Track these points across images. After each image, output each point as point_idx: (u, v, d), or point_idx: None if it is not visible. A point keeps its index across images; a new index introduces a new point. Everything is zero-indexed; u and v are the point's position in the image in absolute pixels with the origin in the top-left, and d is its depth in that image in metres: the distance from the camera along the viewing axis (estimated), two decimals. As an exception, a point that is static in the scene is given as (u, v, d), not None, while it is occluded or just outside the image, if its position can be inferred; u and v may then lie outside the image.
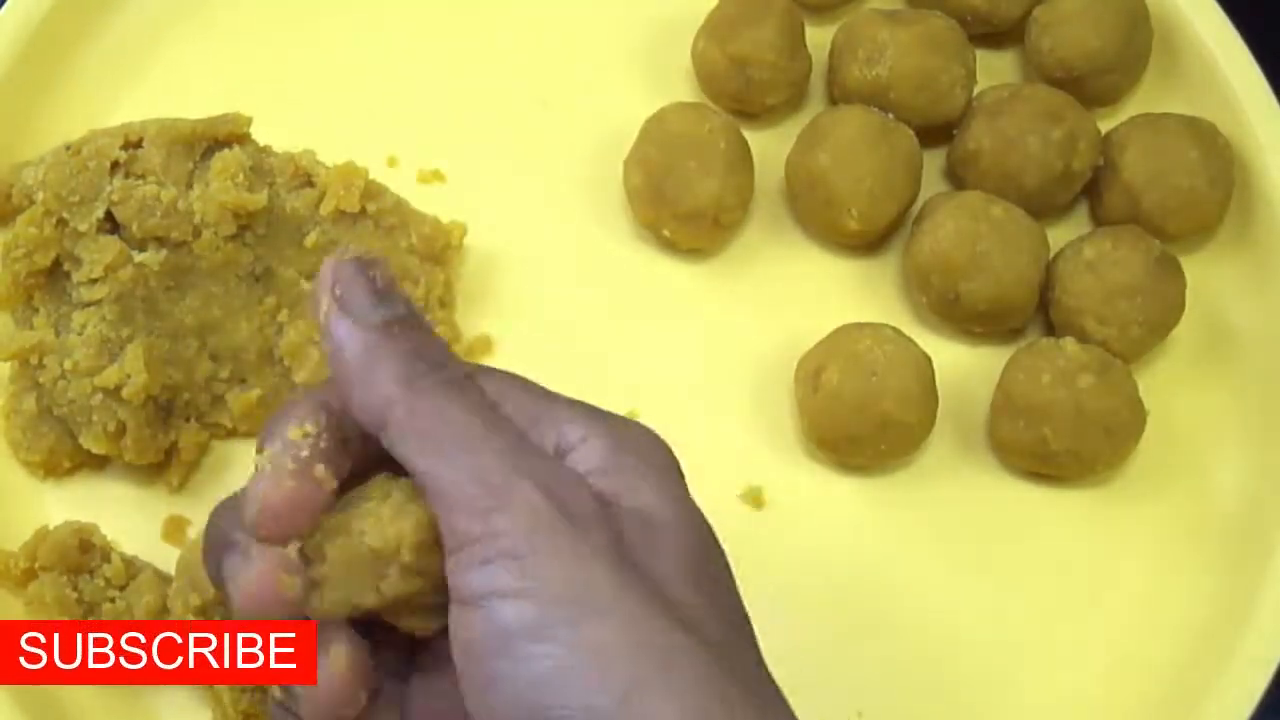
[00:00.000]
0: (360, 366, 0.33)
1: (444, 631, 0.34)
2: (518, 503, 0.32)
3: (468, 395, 0.34)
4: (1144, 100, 0.55)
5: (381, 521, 0.33)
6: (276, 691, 0.35)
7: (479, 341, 0.50)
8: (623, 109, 0.52)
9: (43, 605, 0.44)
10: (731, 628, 0.33)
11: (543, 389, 0.36)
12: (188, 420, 0.48)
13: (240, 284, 0.48)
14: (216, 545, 0.34)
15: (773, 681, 0.33)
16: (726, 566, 0.35)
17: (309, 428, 0.34)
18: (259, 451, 0.34)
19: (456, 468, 0.32)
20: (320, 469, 0.33)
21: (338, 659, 0.34)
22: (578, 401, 0.35)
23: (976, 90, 0.53)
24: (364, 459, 0.35)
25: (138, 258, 0.46)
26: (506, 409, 0.34)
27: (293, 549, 0.33)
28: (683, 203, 0.50)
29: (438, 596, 0.34)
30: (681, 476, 0.35)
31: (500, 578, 0.31)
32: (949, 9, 0.53)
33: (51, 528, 0.46)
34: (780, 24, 0.52)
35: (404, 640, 0.36)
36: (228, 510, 0.35)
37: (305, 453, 0.33)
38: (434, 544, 0.33)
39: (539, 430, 0.34)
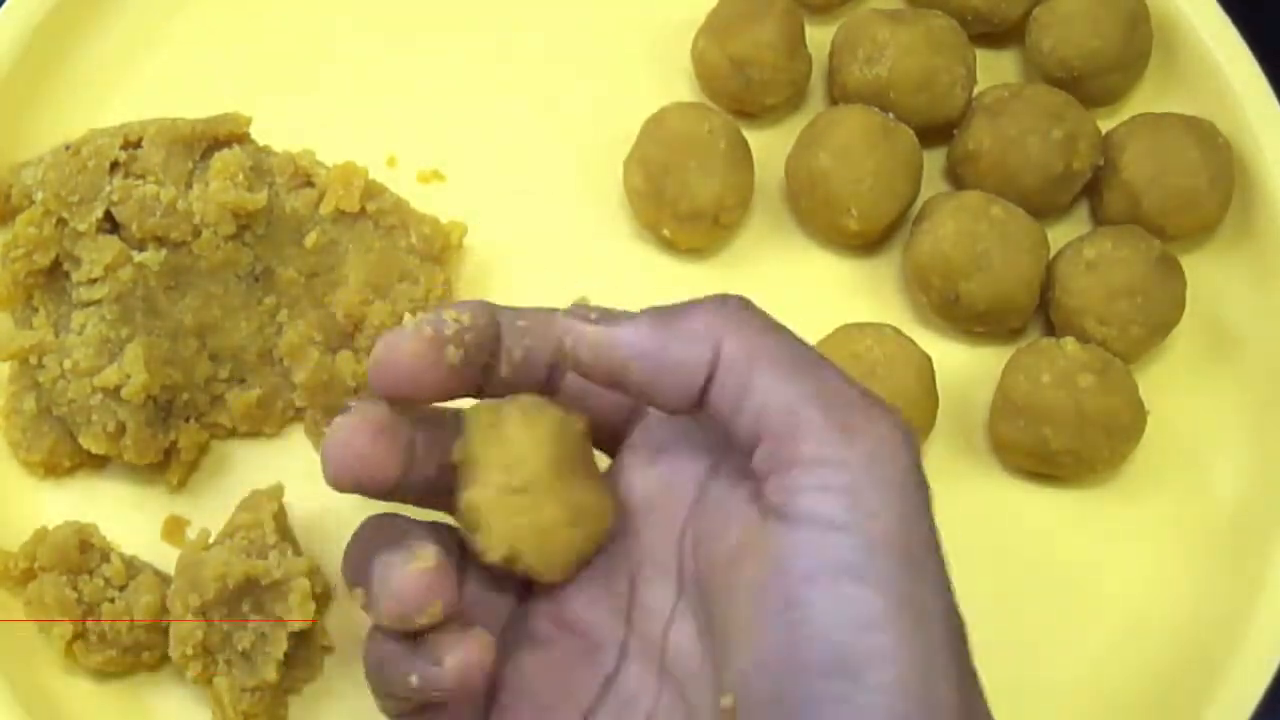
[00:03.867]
0: (666, 338, 0.34)
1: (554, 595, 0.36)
2: (879, 435, 0.32)
3: (774, 321, 0.35)
4: (1144, 100, 0.55)
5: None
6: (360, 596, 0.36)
7: (479, 341, 0.50)
8: (623, 109, 0.52)
9: (42, 605, 0.44)
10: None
11: None
12: (187, 420, 0.48)
13: (240, 284, 0.48)
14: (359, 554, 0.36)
15: None
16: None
17: (465, 318, 0.35)
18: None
19: (803, 388, 0.33)
20: (452, 351, 0.35)
21: (425, 557, 0.35)
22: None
23: (976, 90, 0.53)
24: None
25: (137, 257, 0.46)
26: None
27: None
28: (683, 203, 0.50)
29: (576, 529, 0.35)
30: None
31: (838, 508, 0.31)
32: (949, 9, 0.53)
33: (51, 528, 0.46)
34: (780, 24, 0.52)
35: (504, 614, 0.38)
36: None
37: (448, 331, 0.35)
38: (574, 464, 0.35)
39: None
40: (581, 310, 0.36)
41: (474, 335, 0.36)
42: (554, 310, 0.37)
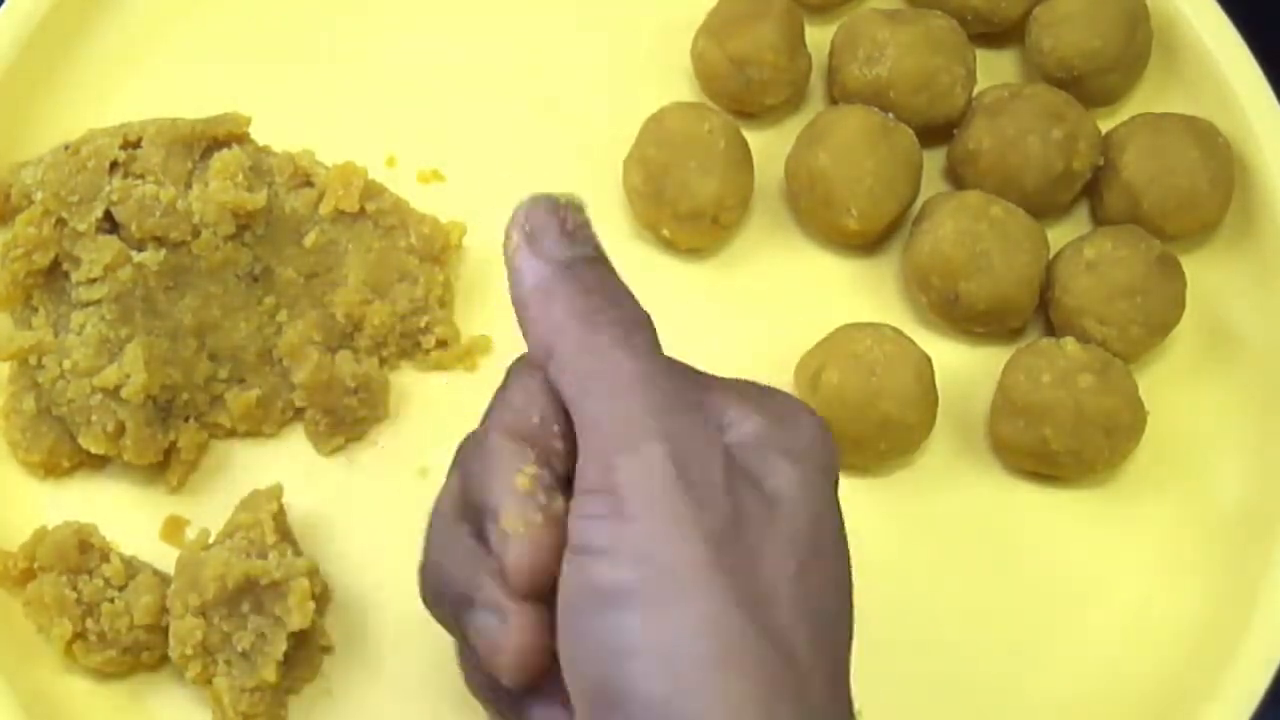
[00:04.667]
0: (538, 299, 0.34)
1: None
2: (641, 458, 0.31)
3: (636, 338, 0.33)
4: (1144, 100, 0.54)
5: None
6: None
7: (478, 341, 0.50)
8: (623, 109, 0.52)
9: (42, 605, 0.44)
10: (818, 645, 0.32)
11: (703, 373, 0.35)
12: (187, 420, 0.48)
13: (239, 284, 0.48)
14: (453, 597, 0.34)
15: (848, 714, 0.33)
16: (844, 576, 0.34)
17: (530, 470, 0.33)
18: (494, 511, 0.33)
19: (600, 409, 0.32)
20: (560, 503, 0.33)
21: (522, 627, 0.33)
22: (743, 381, 0.35)
23: (976, 90, 0.53)
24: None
25: (137, 257, 0.46)
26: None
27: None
28: (682, 202, 0.50)
29: None
30: (833, 477, 0.34)
31: (601, 534, 0.31)
32: (949, 9, 0.53)
33: (50, 528, 0.45)
34: (780, 23, 0.52)
35: None
36: (452, 546, 0.34)
37: (543, 499, 0.33)
38: None
39: (702, 404, 0.34)
40: (533, 213, 0.35)
41: (547, 471, 0.34)
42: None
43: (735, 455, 0.33)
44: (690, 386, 0.34)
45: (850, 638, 0.34)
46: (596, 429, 0.32)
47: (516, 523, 0.33)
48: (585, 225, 0.35)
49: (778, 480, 0.33)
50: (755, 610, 0.30)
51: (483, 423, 0.35)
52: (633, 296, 0.35)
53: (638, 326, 0.34)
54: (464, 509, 0.35)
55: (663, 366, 0.33)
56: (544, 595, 0.33)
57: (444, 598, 0.35)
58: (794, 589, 0.31)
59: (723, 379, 0.35)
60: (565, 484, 0.34)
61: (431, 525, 0.36)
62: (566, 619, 0.31)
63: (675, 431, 0.32)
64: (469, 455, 0.35)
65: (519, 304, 0.34)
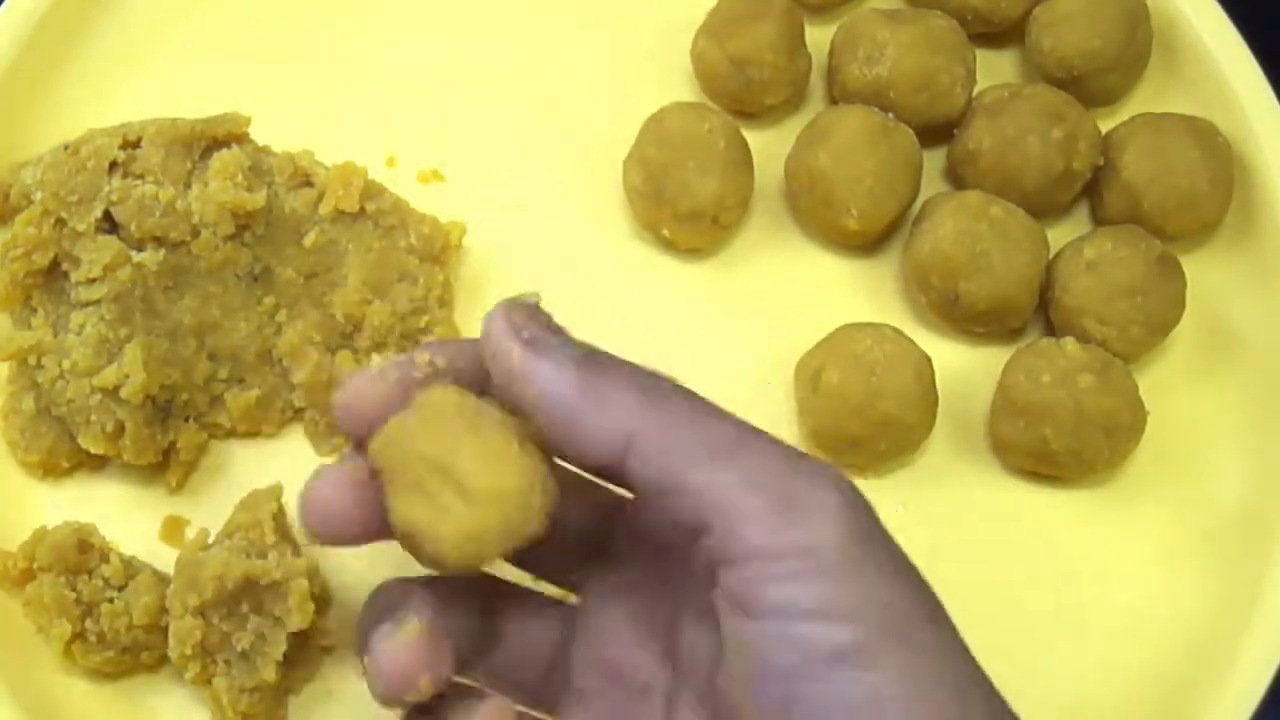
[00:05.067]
0: (582, 400, 0.32)
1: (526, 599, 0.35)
2: (816, 512, 0.30)
3: (705, 402, 0.33)
4: (1144, 100, 0.54)
5: None
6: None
7: (478, 341, 0.50)
8: (623, 109, 0.52)
9: (41, 605, 0.44)
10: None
11: None
12: (186, 420, 0.48)
13: (239, 284, 0.48)
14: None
15: None
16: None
17: (439, 361, 0.34)
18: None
19: (732, 473, 0.31)
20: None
21: (408, 629, 0.34)
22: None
23: (976, 90, 0.53)
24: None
25: (136, 258, 0.46)
26: None
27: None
28: (682, 202, 0.50)
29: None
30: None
31: (805, 595, 0.30)
32: (949, 9, 0.53)
33: (50, 528, 0.45)
34: (780, 23, 0.52)
35: (483, 608, 0.36)
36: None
37: (417, 374, 0.34)
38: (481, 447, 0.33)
39: None
40: (518, 319, 0.34)
41: (451, 378, 0.34)
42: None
43: None
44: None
45: None
46: (741, 494, 0.31)
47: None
48: (550, 316, 0.35)
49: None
50: (950, 632, 0.31)
51: None
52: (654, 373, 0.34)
53: (689, 391, 0.33)
54: None
55: (743, 421, 0.33)
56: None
57: (358, 625, 0.36)
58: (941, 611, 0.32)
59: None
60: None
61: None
62: (776, 686, 0.30)
63: (820, 476, 0.32)
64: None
65: (563, 419, 0.32)
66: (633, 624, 0.37)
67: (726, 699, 0.33)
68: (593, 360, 0.33)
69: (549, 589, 0.40)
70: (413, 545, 0.34)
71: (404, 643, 0.34)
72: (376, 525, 0.34)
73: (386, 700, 0.34)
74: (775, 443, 0.32)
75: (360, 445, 0.35)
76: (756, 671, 0.31)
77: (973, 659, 0.31)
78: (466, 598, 0.37)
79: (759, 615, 0.30)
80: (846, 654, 0.30)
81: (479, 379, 0.34)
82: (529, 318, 0.34)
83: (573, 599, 0.39)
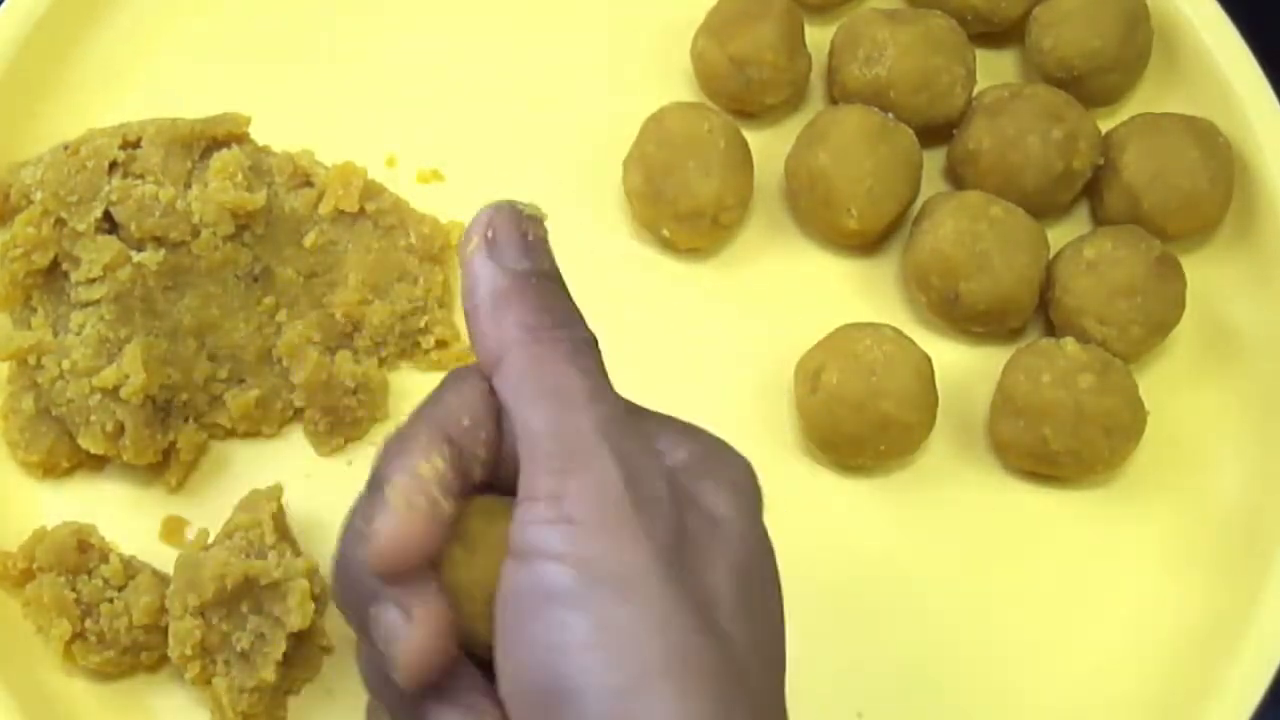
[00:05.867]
0: (491, 306, 0.34)
1: None
2: (594, 471, 0.32)
3: (586, 357, 0.34)
4: (1144, 100, 0.54)
5: None
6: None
7: (478, 341, 0.50)
8: (623, 109, 0.52)
9: (40, 605, 0.44)
10: (761, 655, 0.33)
11: (637, 405, 0.36)
12: (186, 420, 0.48)
13: (239, 284, 0.48)
14: (359, 593, 0.33)
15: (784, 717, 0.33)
16: (778, 601, 0.34)
17: (437, 462, 0.33)
18: (383, 481, 0.33)
19: (551, 421, 0.32)
20: (447, 510, 0.33)
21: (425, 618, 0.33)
22: (672, 417, 0.36)
23: (976, 90, 0.52)
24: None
25: (136, 258, 0.46)
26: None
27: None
28: (682, 202, 0.50)
29: None
30: (760, 503, 0.35)
31: (553, 539, 0.31)
32: (949, 8, 0.53)
33: (50, 528, 0.45)
34: (780, 23, 0.52)
35: None
36: (360, 542, 0.33)
37: (436, 493, 0.33)
38: None
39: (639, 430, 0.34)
40: (497, 220, 0.35)
41: (453, 472, 0.33)
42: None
43: (674, 475, 0.33)
44: (631, 410, 0.34)
45: (785, 663, 0.34)
46: (545, 438, 0.32)
47: (398, 498, 0.32)
48: (544, 240, 0.35)
49: (715, 501, 0.33)
50: (702, 614, 0.31)
51: (408, 417, 0.35)
52: (583, 318, 0.35)
53: (588, 347, 0.34)
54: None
55: (607, 385, 0.34)
56: (402, 580, 0.32)
57: (350, 595, 0.34)
58: (735, 601, 0.32)
59: (656, 412, 0.36)
60: (470, 492, 0.34)
61: (347, 522, 0.35)
62: (513, 620, 0.32)
63: (625, 449, 0.32)
64: (388, 441, 0.35)
65: (470, 310, 0.34)
66: None
67: None
68: (528, 279, 0.34)
69: None
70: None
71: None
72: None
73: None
74: (618, 408, 0.33)
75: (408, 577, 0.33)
76: (504, 612, 0.32)
77: (703, 632, 0.31)
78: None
79: (521, 555, 0.32)
80: (566, 595, 0.31)
81: (470, 434, 0.34)
82: (507, 222, 0.35)
83: None
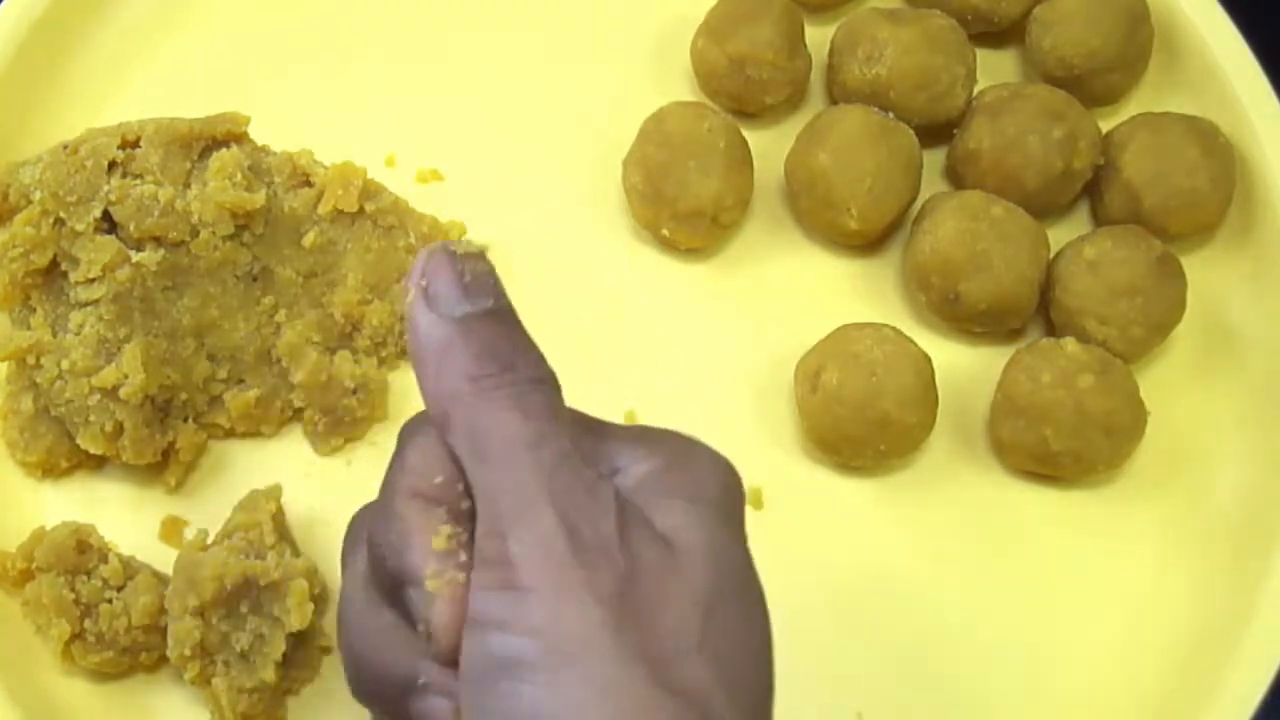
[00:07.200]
0: (434, 360, 0.33)
1: None
2: (534, 530, 0.31)
3: (528, 400, 0.33)
4: (1144, 100, 0.54)
5: None
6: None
7: (478, 341, 0.50)
8: (623, 109, 0.52)
9: (40, 606, 0.44)
10: (733, 691, 0.31)
11: (600, 421, 0.35)
12: (185, 420, 0.48)
13: (238, 284, 0.48)
14: (393, 688, 0.33)
15: None
16: (757, 619, 0.33)
17: (445, 529, 0.33)
18: (415, 579, 0.32)
19: (496, 479, 0.32)
20: (470, 559, 0.33)
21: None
22: (640, 427, 0.35)
23: (976, 89, 0.52)
24: None
25: (135, 257, 0.46)
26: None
27: None
28: (682, 202, 0.50)
29: None
30: (735, 513, 0.34)
31: (497, 607, 0.31)
32: (949, 8, 0.53)
33: (49, 528, 0.45)
34: (780, 23, 0.52)
35: None
36: (378, 635, 0.34)
37: (464, 556, 0.32)
38: None
39: (596, 453, 0.34)
40: (432, 266, 0.33)
41: (463, 531, 0.33)
42: None
43: (629, 501, 0.32)
44: (586, 437, 0.34)
45: (772, 678, 0.33)
46: (489, 498, 0.32)
47: (439, 583, 0.32)
48: (485, 275, 0.34)
49: (672, 521, 0.32)
50: (658, 666, 0.30)
51: (381, 492, 0.34)
52: (534, 351, 0.34)
53: (533, 386, 0.33)
54: (380, 589, 0.34)
55: (555, 426, 0.33)
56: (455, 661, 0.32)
57: (382, 693, 0.34)
58: (701, 637, 0.31)
59: (621, 426, 0.35)
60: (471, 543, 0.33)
61: (346, 617, 0.35)
62: (469, 691, 0.31)
63: (563, 492, 0.31)
64: (376, 529, 0.34)
65: (415, 362, 0.33)
66: None
67: None
68: (467, 325, 0.33)
69: None
70: None
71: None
72: None
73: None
74: (561, 446, 0.32)
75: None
76: (462, 680, 0.31)
77: (656, 690, 0.30)
78: None
79: (472, 621, 0.31)
80: (513, 666, 0.30)
81: (448, 489, 0.34)
82: (442, 266, 0.34)
83: None
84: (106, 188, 0.47)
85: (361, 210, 0.49)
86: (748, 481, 0.48)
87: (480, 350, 0.33)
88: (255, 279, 0.49)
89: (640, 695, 0.30)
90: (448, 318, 0.33)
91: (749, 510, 0.49)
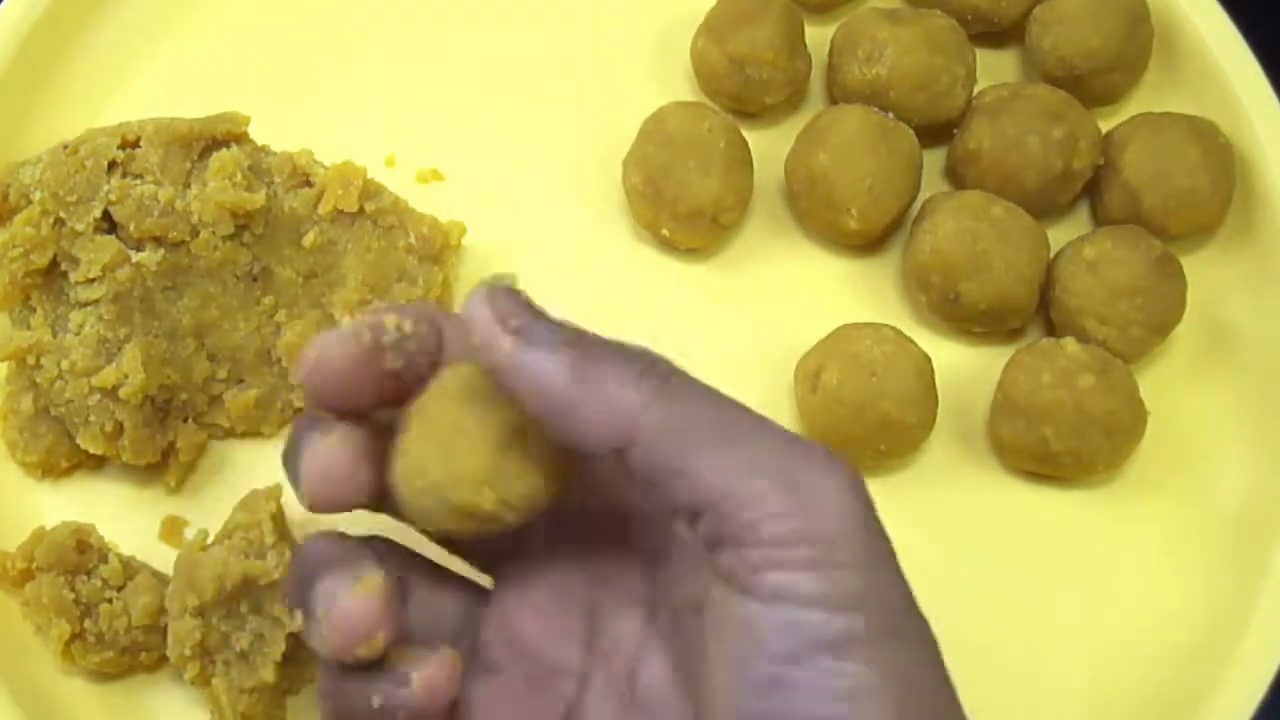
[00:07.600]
0: (578, 392, 0.31)
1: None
2: (822, 498, 0.30)
3: (699, 383, 0.32)
4: (1144, 99, 0.54)
5: None
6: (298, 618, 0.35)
7: (478, 341, 0.50)
8: (623, 109, 0.52)
9: (40, 606, 0.44)
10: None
11: None
12: (185, 420, 0.48)
13: (238, 284, 0.48)
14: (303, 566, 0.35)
15: None
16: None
17: (407, 326, 0.34)
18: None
19: (735, 455, 0.31)
20: (391, 358, 0.34)
21: (369, 583, 0.34)
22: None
23: (976, 89, 0.52)
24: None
25: (135, 257, 0.46)
26: None
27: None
28: (682, 202, 0.50)
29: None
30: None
31: (808, 582, 0.30)
32: (949, 8, 0.53)
33: (49, 528, 0.45)
34: (780, 23, 0.52)
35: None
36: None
37: (387, 339, 0.34)
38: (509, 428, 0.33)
39: None
40: (503, 307, 0.32)
41: (416, 344, 0.34)
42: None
43: None
44: None
45: None
46: (745, 480, 0.31)
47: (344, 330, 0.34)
48: (530, 299, 0.33)
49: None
50: (936, 648, 0.32)
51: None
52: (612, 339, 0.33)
53: (685, 373, 0.32)
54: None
55: (743, 405, 0.32)
56: (329, 405, 0.34)
57: (293, 575, 0.35)
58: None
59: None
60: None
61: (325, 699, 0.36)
62: (765, 667, 0.30)
63: (818, 462, 0.31)
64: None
65: (557, 406, 0.31)
66: (547, 608, 0.37)
67: (692, 665, 0.33)
68: (583, 346, 0.32)
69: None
70: (412, 489, 0.33)
71: (365, 596, 0.34)
72: (375, 487, 0.35)
73: (338, 653, 0.34)
74: (774, 427, 0.32)
75: (330, 408, 0.35)
76: (750, 653, 0.31)
77: (941, 658, 0.32)
78: (385, 560, 0.36)
79: (763, 598, 0.30)
80: (842, 643, 0.30)
81: (433, 352, 0.34)
82: (513, 305, 0.33)
83: (485, 581, 0.39)
84: (106, 188, 0.47)
85: (361, 210, 0.49)
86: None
87: (607, 358, 0.32)
88: (255, 279, 0.49)
89: (936, 662, 0.31)
90: (556, 345, 0.32)
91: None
